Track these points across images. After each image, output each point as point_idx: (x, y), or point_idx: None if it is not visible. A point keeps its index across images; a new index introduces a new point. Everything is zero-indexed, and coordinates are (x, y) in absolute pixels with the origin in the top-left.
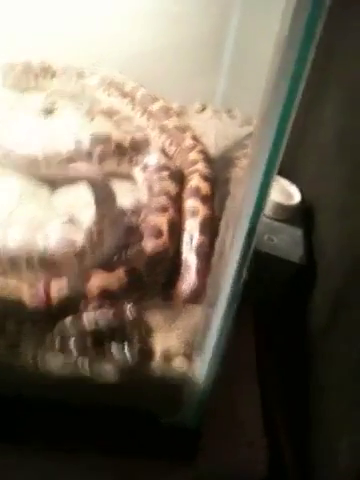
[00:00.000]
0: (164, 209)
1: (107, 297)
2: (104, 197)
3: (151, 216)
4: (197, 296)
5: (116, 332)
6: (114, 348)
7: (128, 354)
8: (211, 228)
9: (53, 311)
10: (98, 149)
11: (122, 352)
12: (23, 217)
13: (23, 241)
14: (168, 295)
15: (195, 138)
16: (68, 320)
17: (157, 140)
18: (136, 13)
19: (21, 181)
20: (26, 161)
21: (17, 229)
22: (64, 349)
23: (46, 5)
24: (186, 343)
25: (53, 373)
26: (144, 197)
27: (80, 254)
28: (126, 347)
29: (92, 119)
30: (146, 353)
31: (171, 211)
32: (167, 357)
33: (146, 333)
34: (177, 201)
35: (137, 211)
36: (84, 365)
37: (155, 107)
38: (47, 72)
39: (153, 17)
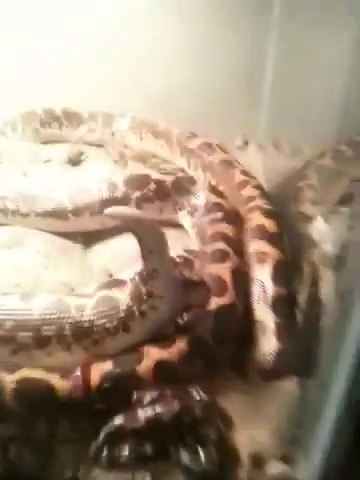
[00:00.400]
0: (224, 256)
1: (166, 377)
2: (153, 242)
3: (209, 266)
4: (282, 367)
5: (184, 429)
6: (184, 454)
7: (203, 460)
8: (287, 275)
9: (95, 404)
10: (136, 192)
11: (195, 458)
12: (51, 281)
13: (52, 309)
14: (242, 368)
15: (246, 173)
16: (118, 418)
17: (202, 180)
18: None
19: (48, 238)
20: (52, 212)
21: (44, 297)
22: (115, 462)
23: (67, 43)
24: (282, 438)
25: None
26: (194, 246)
27: (126, 319)
28: (200, 451)
29: (125, 165)
30: (228, 457)
31: (233, 258)
32: (257, 461)
33: (225, 426)
34: (238, 245)
35: (189, 261)
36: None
37: (195, 144)
38: (72, 119)
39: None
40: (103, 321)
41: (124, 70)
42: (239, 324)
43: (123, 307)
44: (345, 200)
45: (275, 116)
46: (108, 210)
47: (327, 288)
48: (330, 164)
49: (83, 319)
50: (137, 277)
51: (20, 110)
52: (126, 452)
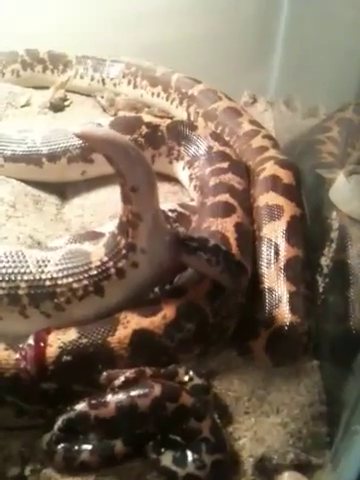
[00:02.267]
0: (228, 209)
1: (146, 352)
2: (137, 176)
3: (209, 220)
4: (297, 347)
5: (167, 421)
6: (166, 454)
7: (191, 462)
8: (304, 234)
9: (51, 383)
10: (125, 136)
11: (180, 459)
12: (14, 233)
13: (4, 262)
14: (246, 348)
15: (255, 122)
16: (81, 404)
17: (204, 130)
18: None
19: (18, 186)
20: (23, 156)
21: (0, 248)
22: (73, 460)
23: None
24: (297, 438)
25: None
26: (192, 203)
27: (99, 278)
28: (187, 450)
29: (114, 115)
30: (224, 460)
31: (239, 212)
32: (264, 467)
33: (221, 419)
34: (245, 200)
35: (184, 217)
36: None
37: (197, 90)
38: (58, 62)
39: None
40: (69, 280)
41: (125, 19)
42: (244, 291)
43: (96, 263)
44: None
45: (287, 73)
46: (77, 129)
47: (355, 252)
48: (353, 117)
49: (44, 276)
50: (115, 225)
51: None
52: (89, 448)
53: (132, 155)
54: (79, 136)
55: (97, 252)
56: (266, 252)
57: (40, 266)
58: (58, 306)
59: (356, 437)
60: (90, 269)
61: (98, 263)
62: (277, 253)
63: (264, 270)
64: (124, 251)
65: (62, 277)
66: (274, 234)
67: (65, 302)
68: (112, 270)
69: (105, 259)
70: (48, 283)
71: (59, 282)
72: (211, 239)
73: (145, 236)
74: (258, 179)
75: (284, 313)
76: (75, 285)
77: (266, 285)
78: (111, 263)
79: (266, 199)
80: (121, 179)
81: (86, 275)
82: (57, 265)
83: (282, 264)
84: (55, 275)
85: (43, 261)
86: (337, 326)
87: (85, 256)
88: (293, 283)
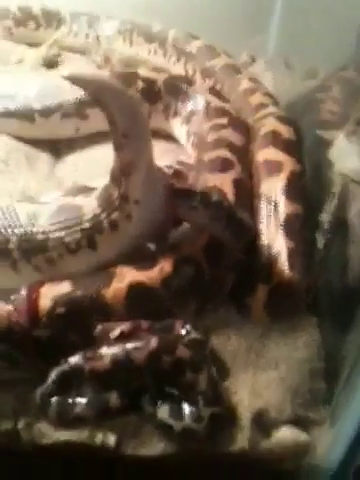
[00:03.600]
0: (226, 165)
1: (142, 305)
2: (129, 122)
3: (207, 176)
4: (295, 303)
5: (163, 374)
6: (162, 407)
7: (188, 415)
8: (304, 191)
9: (44, 335)
10: None
11: (177, 412)
12: (6, 189)
13: None
14: (243, 304)
15: (254, 80)
16: (75, 357)
17: (202, 86)
18: None
19: (10, 142)
20: (15, 112)
21: None
22: (67, 414)
23: None
24: (295, 393)
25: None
26: (190, 160)
27: (92, 231)
28: (184, 403)
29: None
30: (222, 414)
31: (237, 168)
32: (262, 422)
33: (219, 373)
34: (244, 156)
35: (181, 174)
36: (107, 440)
37: (194, 47)
38: (52, 19)
39: None
40: (61, 234)
41: None
42: (242, 246)
43: (88, 216)
44: None
45: (286, 34)
46: (66, 72)
47: (355, 210)
48: (354, 76)
49: (35, 230)
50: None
51: None
52: (83, 401)
53: (123, 99)
54: (68, 78)
55: (89, 205)
56: (265, 208)
57: (31, 220)
58: (50, 260)
59: (356, 392)
60: (82, 222)
61: (90, 216)
62: (276, 209)
63: (263, 226)
64: (117, 202)
65: (54, 231)
66: (273, 190)
67: (57, 256)
68: (105, 223)
69: (98, 211)
70: (40, 237)
71: (51, 236)
72: (214, 194)
73: (139, 186)
74: (257, 135)
75: (282, 269)
76: (67, 239)
77: (265, 241)
78: (104, 215)
79: (265, 154)
80: (112, 125)
81: (78, 228)
82: (49, 219)
83: (281, 220)
84: (46, 229)
85: (34, 215)
86: (336, 282)
87: (77, 209)
88: (292, 239)
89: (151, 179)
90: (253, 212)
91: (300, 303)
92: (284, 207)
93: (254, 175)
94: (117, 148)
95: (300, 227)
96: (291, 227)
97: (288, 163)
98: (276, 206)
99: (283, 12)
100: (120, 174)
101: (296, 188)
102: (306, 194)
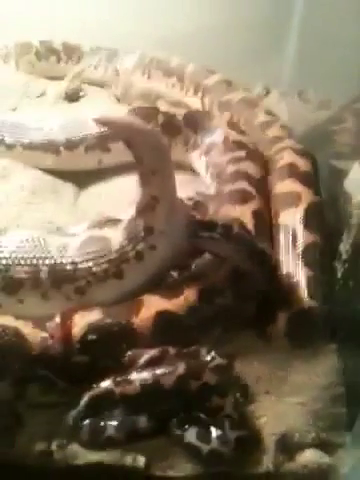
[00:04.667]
0: (245, 197)
1: (169, 332)
2: (155, 159)
3: (227, 208)
4: (315, 331)
5: (190, 398)
6: (189, 430)
7: (215, 439)
8: (322, 221)
9: (77, 361)
10: None
11: (204, 436)
12: (34, 219)
13: (26, 247)
14: (265, 332)
15: (270, 112)
16: (106, 381)
17: (220, 119)
18: None
19: (36, 174)
20: (41, 145)
21: (19, 233)
22: (99, 436)
23: None
24: (318, 417)
25: None
26: (209, 192)
27: (119, 261)
28: (211, 426)
29: (129, 105)
30: (248, 437)
31: (256, 199)
32: (286, 445)
33: (243, 398)
34: (262, 188)
35: (201, 205)
36: (137, 462)
37: (212, 81)
38: (73, 53)
39: None
40: (89, 264)
41: (139, 11)
42: (264, 275)
43: (115, 247)
44: None
45: (301, 65)
46: (96, 116)
47: None
48: None
49: (64, 261)
50: (133, 209)
51: (14, 40)
52: (114, 424)
53: (151, 138)
54: (99, 122)
55: (116, 236)
56: (284, 238)
57: (60, 251)
58: (79, 289)
59: None
60: (109, 253)
61: (117, 247)
62: (295, 239)
63: (283, 256)
64: (142, 234)
65: (83, 261)
66: (292, 220)
67: (85, 285)
68: (131, 253)
69: (124, 243)
70: (69, 268)
71: (79, 266)
72: (234, 226)
73: (163, 218)
74: (275, 167)
75: (301, 297)
76: (95, 269)
77: (285, 270)
78: (130, 246)
79: (284, 186)
80: (139, 163)
81: (106, 259)
82: (78, 250)
83: (300, 250)
84: (75, 259)
85: (64, 246)
86: (354, 310)
87: (105, 241)
88: (311, 268)
89: (174, 211)
90: (272, 242)
91: (319, 330)
92: (303, 237)
93: (273, 207)
94: (143, 183)
95: (319, 256)
96: (310, 256)
97: (306, 194)
98: (295, 236)
99: (298, 43)
100: (145, 207)
101: (314, 219)
102: (324, 224)
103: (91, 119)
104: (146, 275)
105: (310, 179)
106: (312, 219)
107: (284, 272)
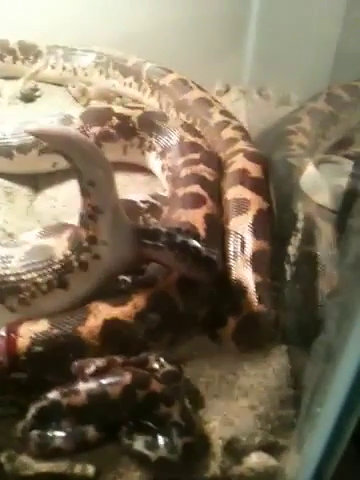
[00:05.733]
0: (198, 201)
1: (117, 341)
2: (94, 171)
3: (179, 211)
4: (263, 335)
5: (138, 407)
6: (138, 439)
7: (163, 447)
8: (270, 227)
9: (23, 373)
10: (95, 128)
11: (152, 444)
12: None
13: None
14: (216, 335)
15: (226, 113)
16: (53, 392)
17: (176, 121)
18: None
19: None
20: None
21: None
22: (47, 447)
23: None
24: (265, 421)
25: None
26: (164, 194)
27: (63, 272)
28: (158, 434)
29: (87, 105)
30: (195, 443)
31: (209, 203)
32: (233, 449)
33: (192, 404)
34: (215, 192)
35: (155, 207)
36: (86, 471)
37: (168, 80)
38: (29, 52)
39: None
40: (33, 275)
41: (95, 8)
42: (215, 281)
43: (59, 257)
44: (340, 147)
45: (260, 62)
46: (29, 127)
47: (324, 245)
48: (324, 108)
49: (8, 272)
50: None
51: None
52: (62, 434)
53: (87, 150)
54: (33, 134)
55: (60, 246)
56: (233, 245)
57: (4, 262)
58: (23, 300)
59: (317, 419)
60: (53, 263)
61: (61, 257)
62: (243, 246)
63: (232, 262)
64: (86, 244)
65: (26, 272)
66: (241, 227)
67: (30, 296)
68: (75, 263)
69: (68, 253)
70: (12, 279)
71: (23, 277)
72: (178, 234)
73: (105, 228)
74: (227, 172)
75: (250, 302)
76: (39, 280)
77: (234, 276)
78: (74, 256)
79: (234, 192)
80: (77, 174)
81: (50, 270)
82: (21, 261)
83: (248, 256)
84: (19, 271)
85: (7, 257)
86: (303, 312)
87: (48, 250)
88: (259, 274)
89: (117, 221)
90: (224, 246)
91: (267, 335)
92: (251, 244)
93: (224, 212)
94: (83, 194)
95: (267, 262)
96: (258, 263)
97: (255, 201)
98: (244, 243)
99: (257, 40)
100: (87, 218)
101: (263, 225)
102: (273, 230)
103: (25, 130)
104: (91, 285)
105: (260, 186)
106: (261, 225)
107: (234, 277)
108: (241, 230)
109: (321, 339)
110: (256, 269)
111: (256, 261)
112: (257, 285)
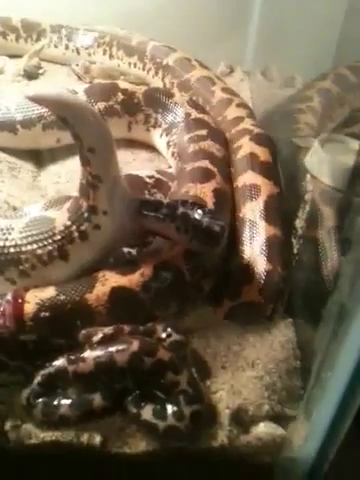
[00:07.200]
0: (207, 175)
1: (124, 309)
2: (94, 138)
3: (187, 186)
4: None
5: (145, 375)
6: (145, 407)
7: (170, 415)
8: (281, 213)
9: (29, 339)
10: (100, 103)
11: (160, 412)
12: None
13: None
14: (222, 306)
15: (229, 90)
16: (59, 359)
17: (181, 98)
18: None
19: None
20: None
21: None
22: (53, 415)
23: None
24: (272, 391)
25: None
26: (170, 170)
27: (63, 243)
28: (166, 403)
29: (90, 83)
30: (203, 412)
31: (218, 178)
32: (240, 419)
33: (199, 373)
34: (224, 167)
35: (162, 182)
36: (93, 440)
37: (172, 60)
38: (32, 31)
39: None
40: (34, 246)
41: None
42: (222, 253)
43: (59, 228)
44: (345, 126)
45: (264, 42)
46: (30, 93)
47: (327, 228)
48: (332, 88)
49: (8, 244)
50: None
51: None
52: (68, 402)
53: (87, 116)
54: (32, 99)
55: (60, 217)
56: (244, 231)
57: (4, 234)
58: (23, 272)
59: (327, 384)
60: (54, 234)
61: (61, 228)
62: (255, 232)
63: (243, 247)
64: (86, 214)
65: (26, 244)
66: (253, 213)
67: (30, 268)
68: (75, 233)
69: (68, 223)
70: (12, 251)
71: (23, 249)
72: (180, 206)
73: (106, 198)
74: (236, 158)
75: (252, 290)
76: (40, 251)
77: (244, 261)
78: (74, 227)
79: (245, 179)
80: (77, 141)
81: (51, 241)
82: (21, 232)
83: (262, 242)
84: (19, 242)
85: (7, 229)
86: (308, 285)
87: (48, 222)
88: (270, 262)
89: (118, 191)
90: (234, 224)
91: (276, 306)
92: (263, 230)
93: (236, 198)
94: (83, 162)
95: (278, 248)
96: (271, 250)
97: (266, 187)
98: (255, 229)
99: (261, 21)
100: (88, 187)
101: (274, 211)
102: (283, 215)
103: (25, 97)
104: (92, 255)
105: (270, 170)
106: (272, 211)
107: (243, 262)
108: (253, 216)
109: (334, 298)
110: (270, 257)
111: (269, 248)
112: (269, 271)
